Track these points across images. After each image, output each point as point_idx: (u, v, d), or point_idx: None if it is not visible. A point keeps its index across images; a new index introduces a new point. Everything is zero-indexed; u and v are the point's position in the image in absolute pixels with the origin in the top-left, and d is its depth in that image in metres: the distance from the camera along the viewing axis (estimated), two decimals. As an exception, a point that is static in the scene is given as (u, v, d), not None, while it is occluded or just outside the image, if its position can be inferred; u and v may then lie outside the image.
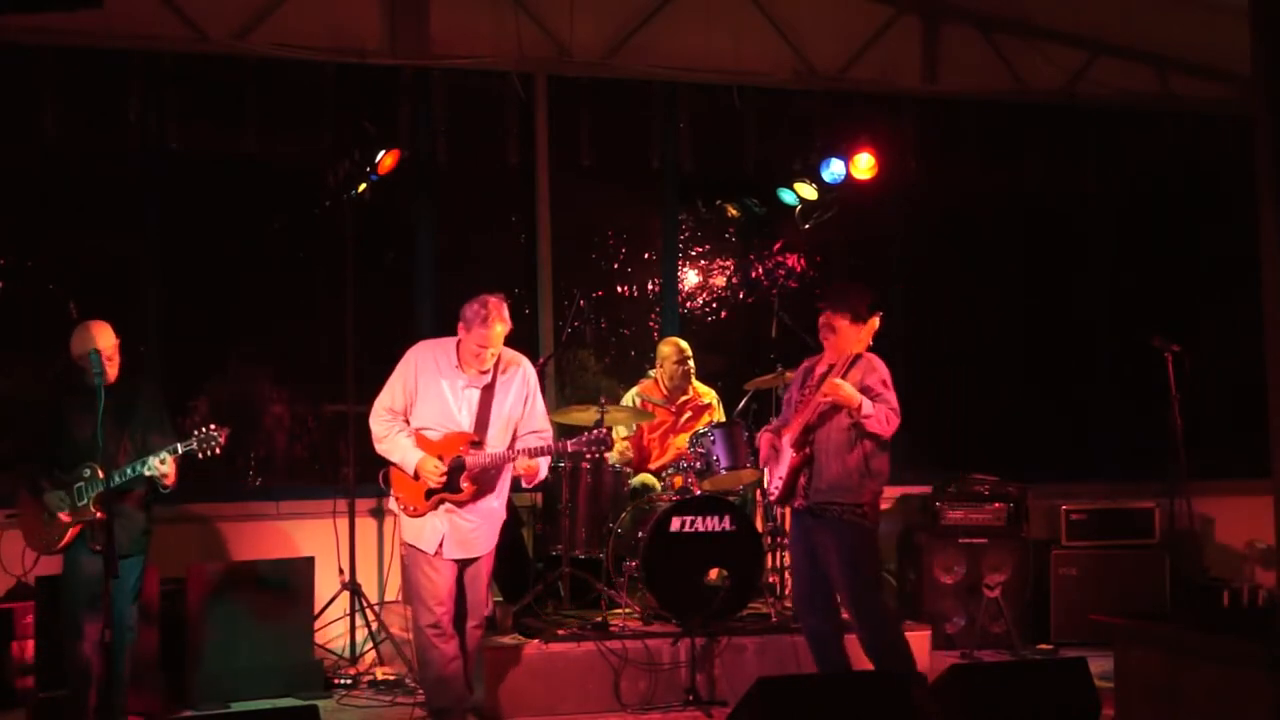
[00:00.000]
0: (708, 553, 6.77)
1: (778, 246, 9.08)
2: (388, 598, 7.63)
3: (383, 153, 7.41)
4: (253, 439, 8.06)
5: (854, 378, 5.84)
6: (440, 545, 5.77)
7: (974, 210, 9.19)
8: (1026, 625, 7.83)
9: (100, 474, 5.56)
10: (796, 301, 8.18)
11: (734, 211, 9.08)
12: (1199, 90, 9.16)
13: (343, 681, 7.01)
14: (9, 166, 7.54)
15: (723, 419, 7.69)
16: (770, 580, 7.25)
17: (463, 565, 5.86)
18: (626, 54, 8.42)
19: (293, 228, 8.12)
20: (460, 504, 5.78)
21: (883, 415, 5.78)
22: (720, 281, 9.07)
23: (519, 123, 8.24)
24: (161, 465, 5.62)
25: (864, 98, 8.80)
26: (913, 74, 8.93)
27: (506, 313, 5.76)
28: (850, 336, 5.94)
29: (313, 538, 7.50)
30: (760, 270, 9.09)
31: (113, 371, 5.75)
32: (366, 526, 7.66)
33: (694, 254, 9.02)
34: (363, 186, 7.47)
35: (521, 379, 5.92)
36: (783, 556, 7.32)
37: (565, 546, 6.92)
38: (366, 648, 7.37)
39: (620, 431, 7.54)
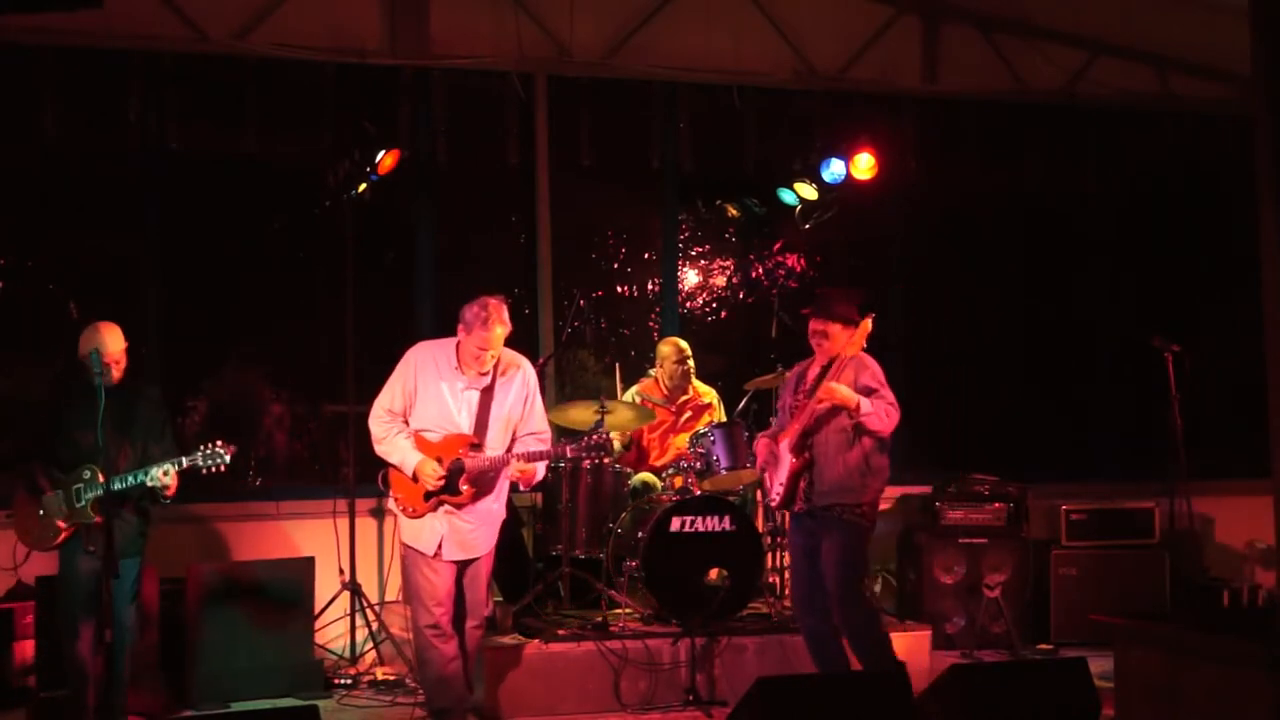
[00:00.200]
0: (708, 553, 6.77)
1: (778, 246, 9.09)
2: (388, 598, 7.62)
3: (383, 153, 7.41)
4: (253, 439, 8.06)
5: (848, 378, 5.84)
6: (439, 547, 5.76)
7: (974, 210, 9.18)
8: (1026, 625, 7.84)
9: (100, 477, 5.54)
10: (796, 301, 8.11)
11: (734, 211, 9.08)
12: (1199, 90, 9.16)
13: (343, 682, 7.01)
14: (9, 166, 7.53)
15: (723, 419, 7.68)
16: (770, 580, 7.25)
17: (462, 566, 5.85)
18: (626, 54, 8.42)
19: (293, 228, 8.12)
20: (459, 506, 5.77)
21: (882, 411, 5.78)
22: (720, 281, 9.07)
23: (519, 123, 8.23)
24: (164, 477, 5.59)
25: (864, 98, 8.79)
26: (913, 74, 8.93)
27: (506, 314, 5.75)
28: (844, 341, 5.93)
29: (313, 538, 7.50)
30: (760, 270, 9.09)
31: (117, 374, 5.74)
32: (366, 526, 7.67)
33: (694, 254, 9.02)
34: (363, 186, 7.47)
35: (521, 381, 5.91)
36: (783, 556, 7.32)
37: (565, 546, 6.92)
38: (367, 648, 7.38)
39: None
